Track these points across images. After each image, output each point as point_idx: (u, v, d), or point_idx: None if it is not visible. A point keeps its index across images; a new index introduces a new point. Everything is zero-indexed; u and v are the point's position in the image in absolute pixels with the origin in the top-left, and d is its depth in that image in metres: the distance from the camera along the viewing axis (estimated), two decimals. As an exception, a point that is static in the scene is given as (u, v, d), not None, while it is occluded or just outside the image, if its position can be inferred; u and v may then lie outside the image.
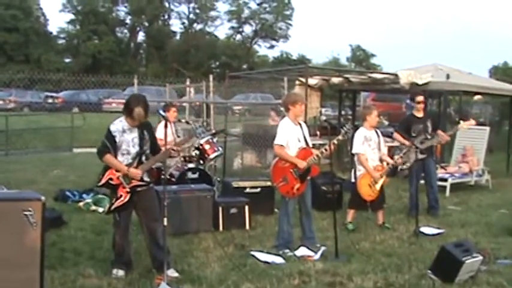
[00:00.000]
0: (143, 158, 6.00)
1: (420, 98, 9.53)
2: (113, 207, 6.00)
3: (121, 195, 5.93)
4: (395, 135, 9.52)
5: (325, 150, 7.15)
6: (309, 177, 7.19)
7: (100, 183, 6.00)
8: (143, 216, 6.11)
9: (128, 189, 5.92)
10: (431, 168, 9.62)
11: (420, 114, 9.47)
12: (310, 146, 7.31)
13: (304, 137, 7.22)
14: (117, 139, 5.88)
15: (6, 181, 10.23)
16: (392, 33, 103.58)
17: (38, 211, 4.95)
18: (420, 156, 8.80)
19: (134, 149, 5.95)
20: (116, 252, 6.14)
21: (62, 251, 6.80)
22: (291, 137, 7.09)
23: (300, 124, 7.24)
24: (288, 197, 7.14)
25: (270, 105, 15.98)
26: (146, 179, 6.04)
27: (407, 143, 8.99)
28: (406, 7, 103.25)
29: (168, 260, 5.88)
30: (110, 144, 5.89)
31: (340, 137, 7.26)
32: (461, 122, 9.79)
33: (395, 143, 13.48)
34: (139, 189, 5.97)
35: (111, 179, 5.93)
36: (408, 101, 28.23)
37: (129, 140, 5.93)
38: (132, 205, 6.03)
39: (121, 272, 6.00)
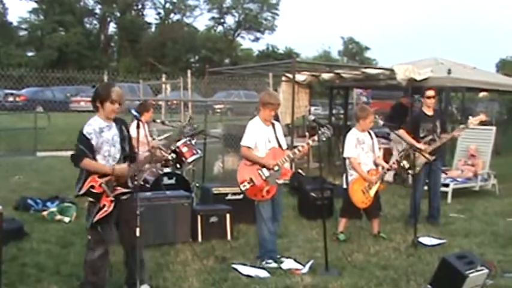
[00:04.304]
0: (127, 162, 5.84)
1: (431, 93, 9.45)
2: (95, 219, 5.70)
3: (104, 205, 5.69)
4: (402, 132, 9.34)
5: (299, 150, 7.16)
6: (280, 181, 7.19)
7: (81, 192, 5.69)
8: (124, 229, 5.88)
9: (112, 198, 5.73)
10: (437, 173, 9.54)
11: (430, 112, 9.42)
12: (284, 147, 7.33)
13: (277, 138, 7.25)
14: (94, 141, 5.63)
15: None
16: (388, 24, 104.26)
17: (-5, 222, 4.91)
18: (427, 159, 8.75)
19: (116, 149, 5.76)
20: (90, 272, 5.84)
21: (22, 266, 6.74)
22: (259, 138, 7.12)
23: (272, 124, 7.28)
24: (257, 200, 7.16)
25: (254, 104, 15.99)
26: (130, 185, 5.87)
27: (414, 143, 8.91)
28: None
29: (142, 274, 5.83)
30: (86, 149, 5.62)
31: (315, 138, 7.23)
32: (470, 117, 9.52)
33: (392, 145, 13.68)
34: (123, 197, 5.79)
35: (92, 186, 5.67)
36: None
37: (109, 138, 5.72)
38: (115, 216, 5.80)
39: None
